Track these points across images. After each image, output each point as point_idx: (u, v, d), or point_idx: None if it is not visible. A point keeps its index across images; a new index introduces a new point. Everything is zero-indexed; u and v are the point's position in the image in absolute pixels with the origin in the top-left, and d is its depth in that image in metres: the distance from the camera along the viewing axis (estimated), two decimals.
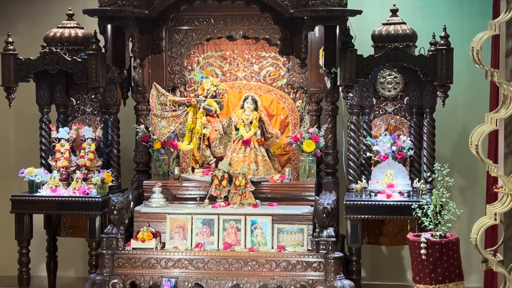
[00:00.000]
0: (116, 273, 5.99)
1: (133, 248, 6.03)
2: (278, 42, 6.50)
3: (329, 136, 6.48)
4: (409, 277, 6.35)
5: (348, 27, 6.04)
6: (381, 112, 6.50)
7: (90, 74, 6.15)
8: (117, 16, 6.16)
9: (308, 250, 5.89)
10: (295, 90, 6.73)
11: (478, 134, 3.14)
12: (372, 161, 6.37)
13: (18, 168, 6.57)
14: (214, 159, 6.64)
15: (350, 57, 5.94)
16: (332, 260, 5.81)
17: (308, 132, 6.39)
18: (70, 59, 6.37)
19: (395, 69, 6.28)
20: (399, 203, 5.96)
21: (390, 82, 6.36)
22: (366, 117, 6.44)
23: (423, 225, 5.11)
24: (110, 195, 6.28)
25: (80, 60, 6.34)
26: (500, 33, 3.22)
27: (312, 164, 6.44)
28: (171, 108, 6.48)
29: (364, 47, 6.28)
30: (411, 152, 6.32)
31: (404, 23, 6.43)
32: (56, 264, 6.90)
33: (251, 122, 6.55)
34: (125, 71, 6.50)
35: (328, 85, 6.33)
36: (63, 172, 6.54)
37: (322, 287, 5.81)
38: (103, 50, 6.28)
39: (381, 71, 6.31)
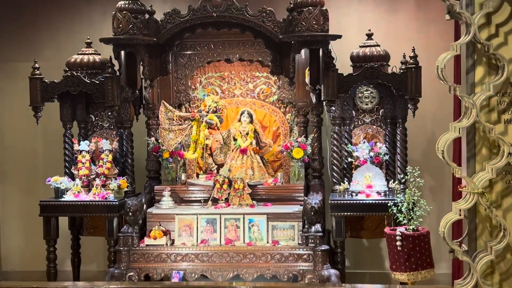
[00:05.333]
0: (132, 267, 5.98)
1: (147, 245, 6.03)
2: (270, 64, 6.55)
3: (315, 144, 6.49)
4: (387, 266, 6.33)
5: (330, 49, 6.11)
6: (360, 123, 6.54)
7: (107, 94, 6.23)
8: (129, 44, 6.21)
9: (298, 244, 5.92)
10: (285, 105, 6.75)
11: (443, 141, 3.15)
12: (353, 166, 6.39)
13: (45, 177, 6.59)
14: (216, 166, 6.65)
15: (332, 76, 6.01)
16: (319, 252, 5.82)
17: (297, 141, 6.42)
18: (89, 81, 6.40)
19: (371, 85, 6.34)
20: (377, 201, 6.00)
21: (367, 97, 6.43)
22: (347, 127, 6.48)
23: (398, 220, 5.09)
24: (125, 199, 6.29)
25: (98, 82, 6.38)
26: (461, 53, 3.24)
27: (301, 169, 6.47)
28: (178, 122, 6.52)
29: (344, 66, 6.33)
30: (387, 157, 6.34)
31: (378, 45, 6.50)
32: (80, 260, 6.91)
33: (247, 133, 6.56)
34: (137, 91, 6.54)
35: (314, 100, 6.38)
36: (84, 179, 6.56)
37: (311, 276, 5.79)
38: (117, 73, 6.36)
39: (359, 87, 6.38)
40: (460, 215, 3.13)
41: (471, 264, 3.10)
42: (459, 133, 3.19)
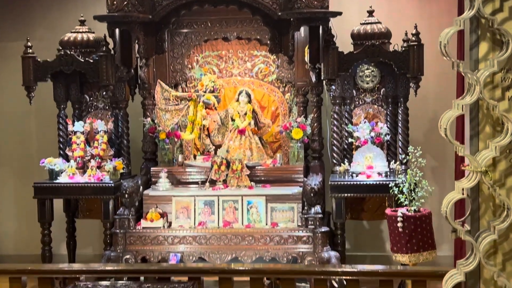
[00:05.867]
0: (129, 250, 6.03)
1: (143, 227, 6.07)
2: (268, 42, 6.56)
3: (315, 124, 6.52)
4: (387, 248, 6.29)
5: (330, 27, 6.09)
6: (360, 102, 6.52)
7: (101, 73, 6.21)
8: (124, 21, 6.22)
9: (298, 225, 5.95)
10: (284, 84, 6.78)
11: (446, 118, 3.14)
12: (353, 146, 6.43)
13: (39, 158, 6.64)
14: (213, 147, 6.71)
15: (332, 54, 5.97)
16: (319, 234, 5.85)
17: (296, 122, 6.47)
18: (83, 60, 6.40)
19: (372, 64, 6.32)
20: (378, 182, 6.01)
21: (368, 76, 6.44)
22: (348, 107, 6.48)
23: (399, 201, 5.13)
24: (121, 180, 6.32)
25: (92, 61, 6.37)
26: (465, 28, 3.22)
27: (300, 150, 6.52)
28: (174, 102, 6.60)
29: (345, 44, 6.28)
30: (388, 137, 6.35)
31: (379, 22, 6.47)
32: (75, 243, 6.94)
33: (245, 114, 6.62)
34: (132, 70, 6.52)
35: (313, 79, 6.35)
36: (79, 161, 6.59)
37: (311, 258, 5.83)
38: (112, 52, 6.36)
39: (360, 66, 6.36)
40: (462, 194, 3.13)
41: (473, 244, 3.12)
42: (462, 110, 3.18)
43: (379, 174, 6.10)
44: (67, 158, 6.69)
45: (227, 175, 6.29)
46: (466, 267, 3.15)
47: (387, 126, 6.34)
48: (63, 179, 6.46)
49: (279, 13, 6.15)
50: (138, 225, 6.10)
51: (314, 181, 5.98)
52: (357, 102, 6.54)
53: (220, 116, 6.65)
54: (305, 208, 5.91)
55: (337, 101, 6.44)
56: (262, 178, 6.35)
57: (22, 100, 6.56)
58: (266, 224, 5.99)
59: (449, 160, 6.82)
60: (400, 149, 6.29)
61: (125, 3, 6.10)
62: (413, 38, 6.09)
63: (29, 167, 7.42)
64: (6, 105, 7.56)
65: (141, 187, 6.27)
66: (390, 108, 6.41)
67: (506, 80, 3.22)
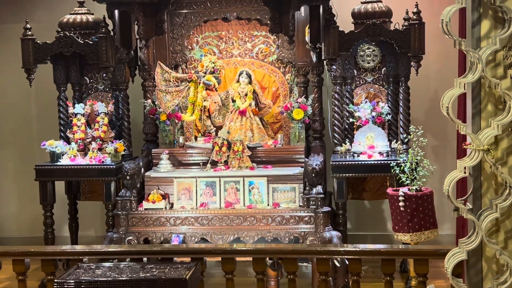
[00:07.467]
0: (131, 231, 6.05)
1: (145, 209, 6.08)
2: (268, 22, 6.51)
3: (316, 105, 6.50)
4: (389, 227, 6.35)
5: (331, 6, 6.08)
6: (361, 82, 6.48)
7: (101, 55, 6.20)
8: (123, 2, 6.21)
9: (299, 206, 5.97)
10: (284, 65, 6.75)
11: (448, 97, 3.14)
12: (354, 126, 6.43)
13: (40, 140, 6.65)
14: (214, 128, 6.71)
15: (332, 33, 5.93)
16: (321, 214, 5.86)
17: (297, 102, 6.44)
18: (82, 42, 6.37)
19: (373, 43, 6.27)
20: (379, 162, 6.01)
21: (369, 55, 6.39)
22: (348, 87, 6.46)
23: (400, 180, 5.13)
24: (123, 162, 6.34)
25: (91, 42, 6.35)
26: (467, 6, 3.20)
27: (301, 130, 6.52)
28: (175, 84, 6.52)
29: (345, 24, 6.25)
30: (389, 117, 6.33)
31: (380, 1, 6.45)
32: (77, 225, 6.96)
33: (246, 94, 6.58)
34: (132, 52, 6.51)
35: (314, 59, 6.34)
36: (80, 143, 6.60)
37: (312, 238, 5.86)
38: (111, 33, 6.33)
39: (361, 45, 6.31)
40: (464, 172, 3.13)
41: (475, 222, 3.12)
42: (464, 89, 3.17)
43: (381, 153, 6.10)
44: (68, 141, 6.71)
45: (228, 156, 6.30)
46: (468, 245, 3.16)
47: (388, 106, 6.33)
48: (64, 161, 6.49)
49: None
50: (140, 207, 6.13)
51: (315, 161, 5.99)
52: (358, 82, 6.51)
53: (221, 97, 6.64)
54: (307, 188, 5.92)
55: (338, 81, 6.42)
56: (263, 159, 6.37)
57: (22, 83, 6.54)
58: (268, 205, 6.00)
59: (450, 139, 6.83)
60: (401, 129, 6.29)
61: None
62: (414, 17, 6.06)
63: (30, 150, 7.45)
64: (6, 88, 7.56)
65: (142, 169, 6.29)
66: (391, 88, 6.39)
67: (508, 58, 3.20)
